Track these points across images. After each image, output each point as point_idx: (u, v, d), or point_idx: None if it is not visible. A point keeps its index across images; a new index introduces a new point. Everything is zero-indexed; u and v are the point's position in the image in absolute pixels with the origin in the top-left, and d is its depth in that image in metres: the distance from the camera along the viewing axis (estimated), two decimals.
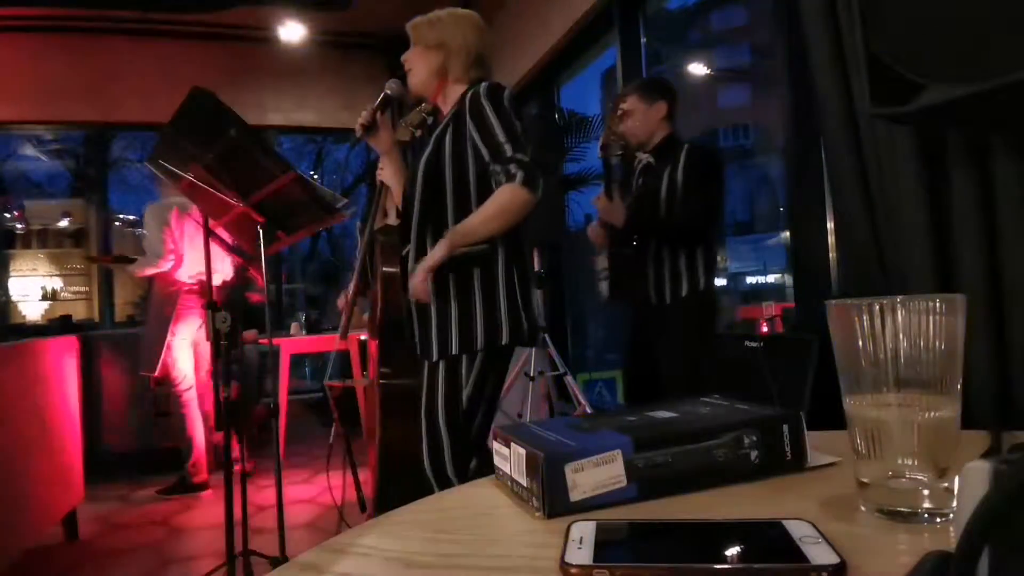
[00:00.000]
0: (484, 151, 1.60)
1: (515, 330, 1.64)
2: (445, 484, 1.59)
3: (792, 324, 2.73)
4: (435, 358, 1.65)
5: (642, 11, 3.72)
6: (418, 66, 1.74)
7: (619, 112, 2.42)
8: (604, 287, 2.51)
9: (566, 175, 4.40)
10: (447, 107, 1.74)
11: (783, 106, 2.40)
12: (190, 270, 3.46)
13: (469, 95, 1.64)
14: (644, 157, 2.44)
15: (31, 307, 6.32)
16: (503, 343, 1.63)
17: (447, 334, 1.62)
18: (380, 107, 1.80)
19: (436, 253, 1.55)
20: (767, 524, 0.45)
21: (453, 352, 1.62)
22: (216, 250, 3.38)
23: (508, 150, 1.57)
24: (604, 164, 2.55)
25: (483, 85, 1.63)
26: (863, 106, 1.36)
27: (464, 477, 1.61)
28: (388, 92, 1.82)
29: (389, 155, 1.85)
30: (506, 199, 1.55)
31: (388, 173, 1.90)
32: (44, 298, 6.33)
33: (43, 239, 6.43)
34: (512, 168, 1.55)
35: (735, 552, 0.43)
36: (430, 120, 1.93)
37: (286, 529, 2.07)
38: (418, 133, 1.94)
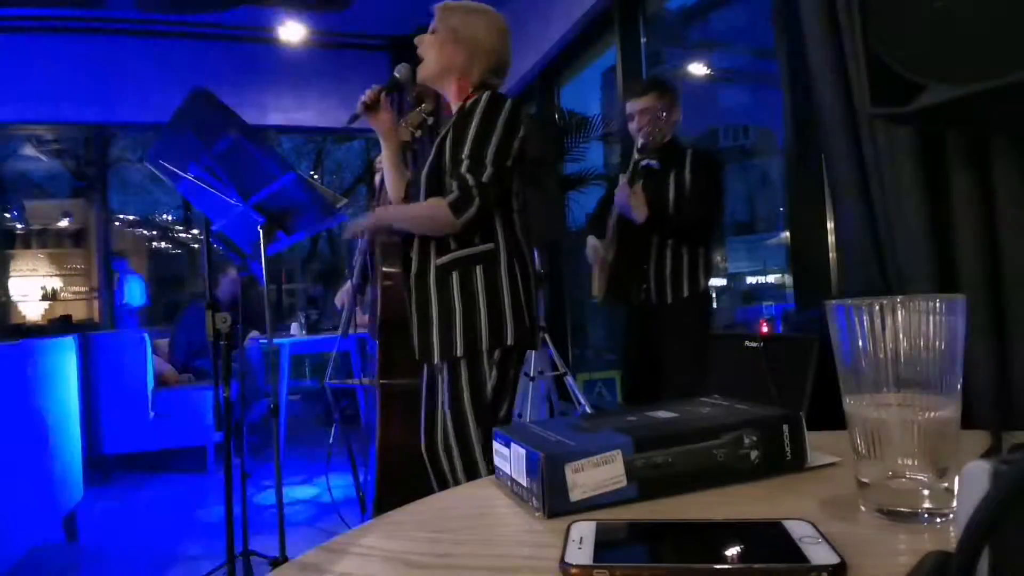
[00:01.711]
0: (447, 159, 1.60)
1: (519, 329, 1.62)
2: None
3: (792, 324, 2.73)
4: (436, 360, 1.63)
5: (642, 11, 3.73)
6: (434, 55, 1.68)
7: (661, 113, 2.36)
8: (595, 287, 2.50)
9: (566, 175, 4.40)
10: (454, 107, 1.72)
11: (783, 106, 2.40)
12: None
13: (470, 103, 1.63)
14: (646, 159, 2.43)
15: (31, 307, 6.32)
16: (509, 343, 1.62)
17: (451, 335, 1.61)
18: (387, 89, 1.78)
19: (365, 222, 1.72)
20: (767, 524, 0.45)
21: (457, 354, 1.59)
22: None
23: (463, 166, 1.55)
24: (624, 157, 2.50)
25: (486, 94, 1.61)
26: (863, 106, 1.36)
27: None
28: (397, 75, 1.79)
29: (387, 137, 1.82)
30: (430, 211, 1.59)
31: (384, 160, 1.88)
32: (44, 298, 6.33)
33: (43, 239, 6.43)
34: (453, 185, 1.55)
35: (735, 552, 0.43)
36: (430, 121, 1.93)
37: (286, 529, 2.07)
38: (417, 133, 1.93)
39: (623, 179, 2.32)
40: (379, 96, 1.76)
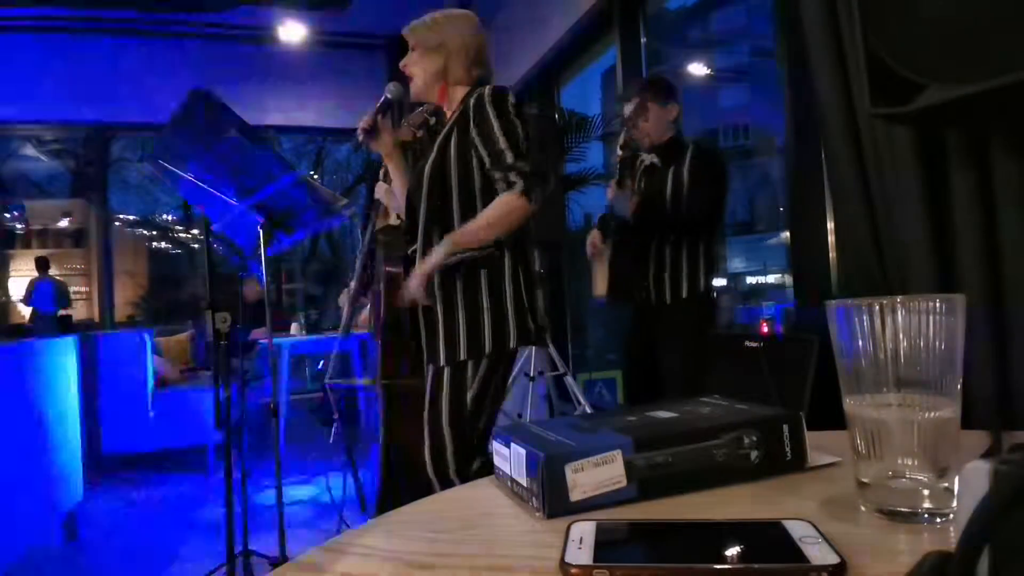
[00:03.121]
0: (485, 157, 1.61)
1: (522, 333, 1.64)
2: (447, 486, 1.59)
3: (792, 324, 2.73)
4: (442, 363, 1.64)
5: (642, 11, 3.73)
6: (419, 70, 1.73)
7: (643, 112, 2.40)
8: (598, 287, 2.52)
9: (566, 175, 4.40)
10: (450, 109, 1.74)
11: (783, 106, 2.40)
12: None
13: (473, 99, 1.63)
14: (648, 158, 2.45)
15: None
16: (511, 347, 1.63)
17: (455, 340, 1.62)
18: (381, 110, 1.79)
19: (435, 256, 1.58)
20: (767, 524, 0.45)
21: (462, 358, 1.62)
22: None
23: (508, 157, 1.58)
24: (620, 159, 2.54)
25: (487, 89, 1.63)
26: (863, 106, 1.35)
27: (466, 479, 1.61)
28: (388, 95, 1.81)
29: (391, 158, 1.84)
30: (505, 207, 1.58)
31: (390, 179, 1.89)
32: None
33: (43, 239, 6.44)
34: (512, 176, 1.57)
35: (735, 552, 0.43)
36: (432, 120, 1.92)
37: (286, 529, 2.07)
38: (419, 133, 1.93)
39: (612, 182, 2.42)
40: (375, 120, 1.78)
